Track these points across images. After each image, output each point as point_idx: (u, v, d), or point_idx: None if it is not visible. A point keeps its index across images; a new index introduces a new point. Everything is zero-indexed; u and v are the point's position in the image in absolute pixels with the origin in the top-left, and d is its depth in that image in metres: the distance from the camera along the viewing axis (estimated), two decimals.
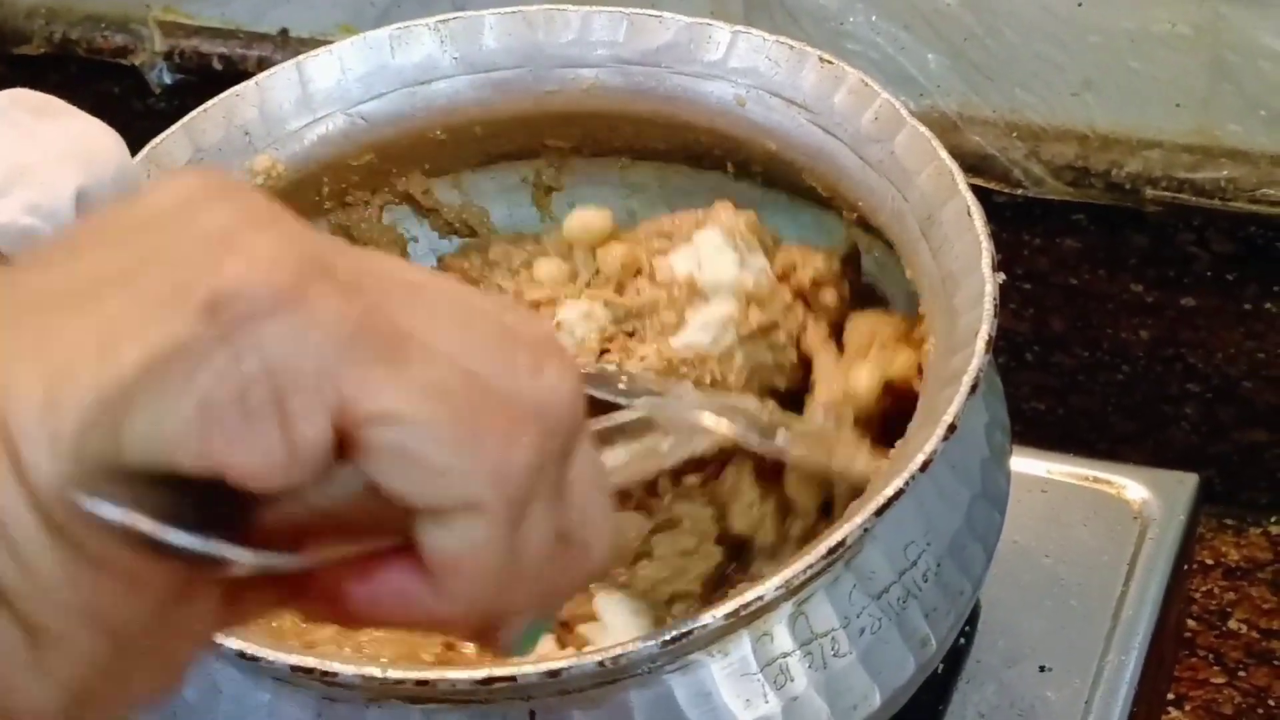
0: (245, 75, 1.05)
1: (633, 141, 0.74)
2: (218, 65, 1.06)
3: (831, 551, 0.54)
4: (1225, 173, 0.88)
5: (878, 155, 0.67)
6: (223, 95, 0.69)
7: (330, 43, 1.02)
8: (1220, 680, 0.91)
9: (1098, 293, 0.96)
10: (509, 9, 0.73)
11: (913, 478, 0.55)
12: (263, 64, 1.04)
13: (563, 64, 0.71)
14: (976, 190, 0.92)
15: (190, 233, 0.34)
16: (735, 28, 0.71)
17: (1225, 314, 0.93)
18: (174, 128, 0.69)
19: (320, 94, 0.71)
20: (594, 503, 0.36)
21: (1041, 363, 0.99)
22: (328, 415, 0.32)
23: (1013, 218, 0.94)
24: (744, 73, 0.70)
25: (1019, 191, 0.92)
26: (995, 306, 0.60)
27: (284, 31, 1.04)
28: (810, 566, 0.53)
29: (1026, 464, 0.80)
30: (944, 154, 0.65)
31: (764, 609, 0.55)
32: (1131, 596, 0.74)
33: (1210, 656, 0.93)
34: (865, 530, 0.54)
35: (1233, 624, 0.94)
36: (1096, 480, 0.80)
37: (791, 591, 0.54)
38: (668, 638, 0.52)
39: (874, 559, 0.59)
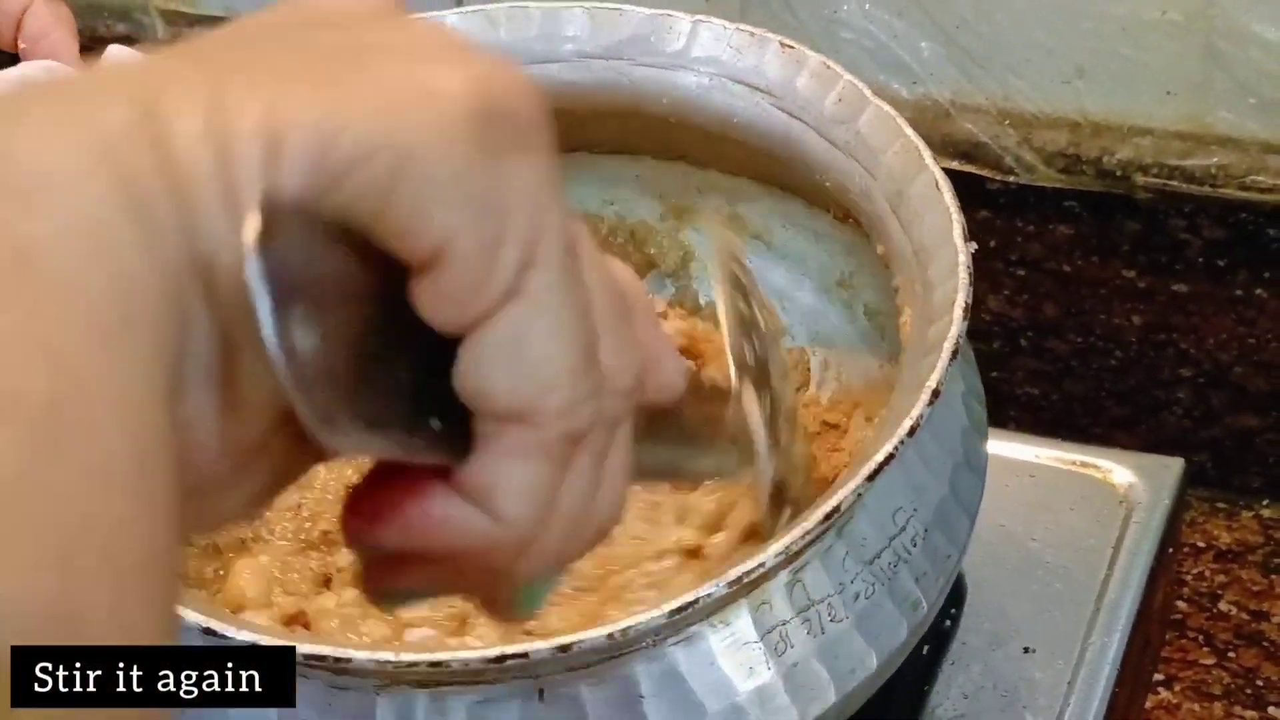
0: None
1: (598, 135, 0.75)
2: None
3: (828, 517, 0.54)
4: (1216, 160, 0.89)
5: (844, 136, 0.68)
6: None
7: None
8: (1209, 661, 0.92)
9: (1090, 279, 0.96)
10: (471, 8, 0.73)
11: (901, 443, 0.56)
12: None
13: (527, 60, 0.72)
14: (968, 177, 0.94)
15: (412, 34, 0.33)
16: (696, 17, 0.72)
17: (1216, 300, 0.94)
18: None
19: None
20: (619, 479, 0.36)
21: (1035, 348, 1.00)
22: (515, 268, 0.32)
23: (1005, 205, 0.95)
24: (706, 61, 0.71)
25: (1011, 179, 0.92)
26: (970, 275, 0.61)
27: None
28: (808, 533, 0.54)
29: (1014, 449, 0.81)
30: (909, 131, 0.66)
31: (762, 578, 0.56)
32: (1115, 580, 0.75)
33: (1200, 638, 0.94)
34: (859, 496, 0.55)
35: (1223, 605, 0.95)
36: (1084, 465, 0.80)
37: (789, 559, 0.55)
38: (674, 607, 0.53)
39: (864, 526, 0.60)
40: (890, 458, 0.56)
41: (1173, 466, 0.80)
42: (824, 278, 0.76)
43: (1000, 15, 0.89)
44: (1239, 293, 0.93)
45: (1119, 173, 0.91)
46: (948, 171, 0.92)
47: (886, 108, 0.67)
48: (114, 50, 0.67)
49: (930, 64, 0.92)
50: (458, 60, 0.32)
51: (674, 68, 0.72)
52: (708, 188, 0.77)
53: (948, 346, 0.58)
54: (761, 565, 0.54)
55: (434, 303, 0.32)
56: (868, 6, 0.91)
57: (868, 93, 0.68)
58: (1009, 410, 1.01)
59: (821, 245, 0.76)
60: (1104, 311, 0.97)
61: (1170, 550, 0.78)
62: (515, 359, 0.33)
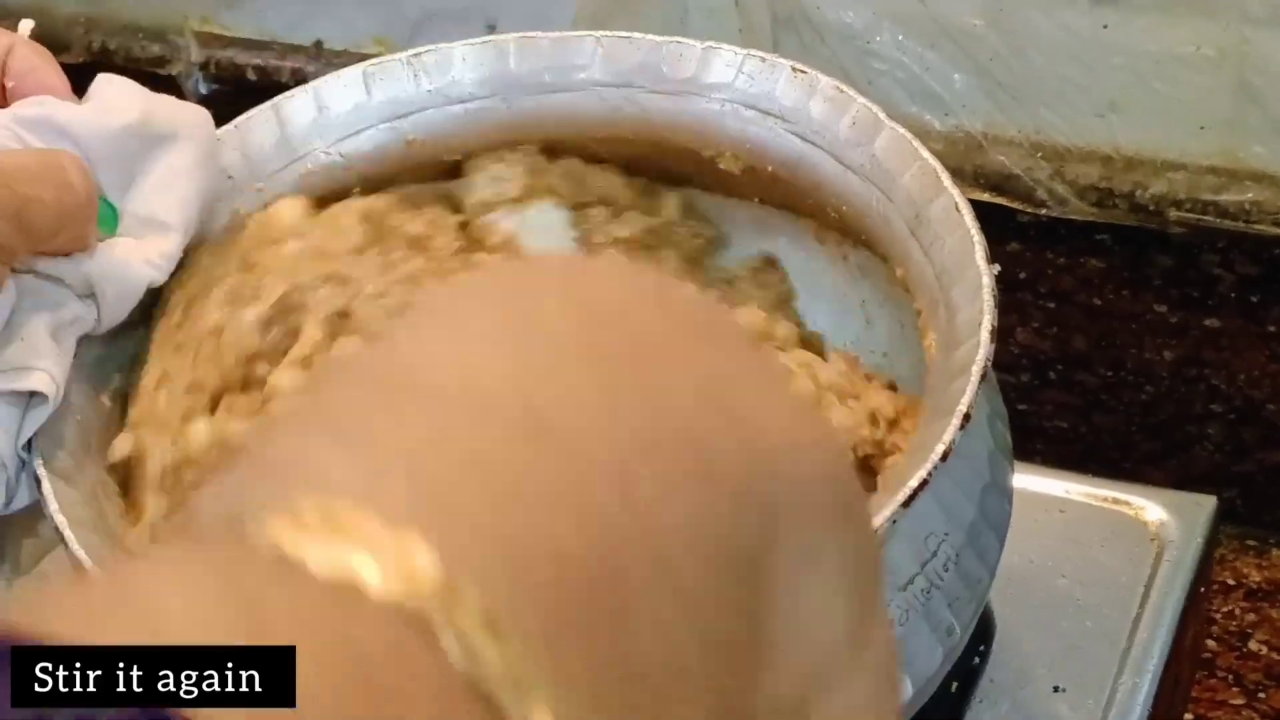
0: (281, 86, 1.07)
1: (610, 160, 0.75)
2: (252, 76, 1.07)
3: None
4: (1250, 195, 0.88)
5: (859, 160, 0.68)
6: None
7: (364, 55, 1.04)
8: (1239, 701, 0.91)
9: (1121, 312, 0.96)
10: (480, 40, 0.73)
11: (935, 468, 0.55)
12: (296, 75, 1.06)
13: (537, 91, 0.72)
14: (1000, 210, 0.94)
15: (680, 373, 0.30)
16: (705, 43, 0.71)
17: (1249, 335, 0.94)
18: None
19: (299, 134, 0.72)
20: None
21: (1064, 381, 1.00)
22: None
23: (1036, 237, 0.95)
24: (717, 87, 0.71)
25: (1043, 212, 0.92)
26: (994, 297, 0.61)
27: (318, 43, 1.06)
28: None
29: (1044, 484, 0.81)
30: (925, 153, 0.66)
31: None
32: (1147, 618, 0.74)
33: (1230, 677, 0.93)
34: (893, 522, 0.55)
35: (1253, 645, 0.94)
36: (1115, 501, 0.80)
37: None
38: None
39: (897, 552, 0.59)
40: (924, 484, 0.55)
41: (1205, 504, 0.79)
42: (841, 301, 0.75)
43: (1032, 50, 0.89)
44: (1272, 329, 0.93)
45: (1152, 207, 0.91)
46: (979, 203, 0.93)
47: (901, 130, 0.67)
48: (103, 80, 0.66)
49: (962, 95, 0.91)
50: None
51: (685, 94, 0.71)
52: (710, 210, 0.76)
53: (976, 370, 0.58)
54: None
55: None
56: (900, 38, 0.91)
57: (882, 115, 0.68)
58: (1036, 443, 1.01)
59: (835, 268, 0.75)
60: (1135, 345, 0.97)
61: (1202, 589, 0.78)
62: None
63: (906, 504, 0.55)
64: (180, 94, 1.09)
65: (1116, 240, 0.93)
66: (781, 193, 0.71)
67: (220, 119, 1.11)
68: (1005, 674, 0.73)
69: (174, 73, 1.08)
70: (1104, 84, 0.89)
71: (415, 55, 0.73)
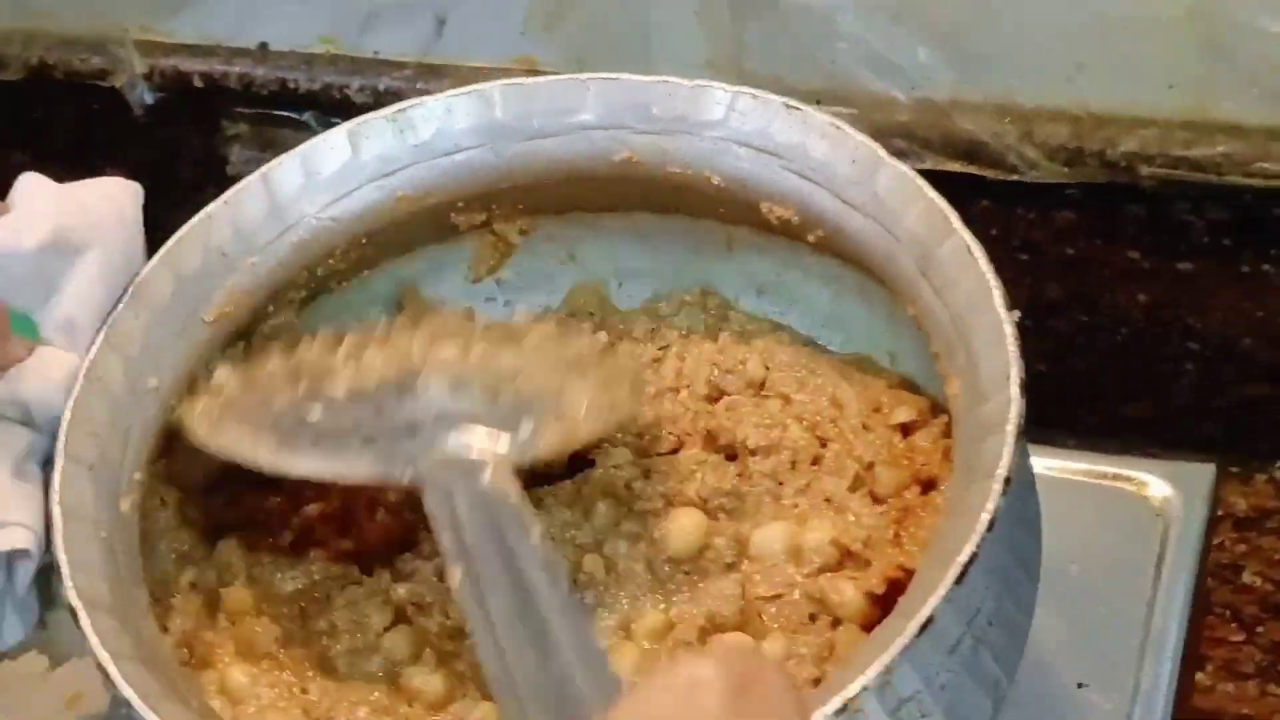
0: (228, 92, 1.05)
1: (594, 201, 0.75)
2: (199, 83, 1.05)
3: (923, 628, 0.55)
4: (1221, 148, 0.89)
5: (860, 198, 0.68)
6: (194, 220, 0.69)
7: (311, 54, 1.02)
8: (1239, 638, 0.93)
9: (1094, 260, 0.97)
10: (465, 89, 0.72)
11: (982, 540, 0.56)
12: (244, 80, 1.04)
13: (525, 137, 0.72)
14: (970, 178, 0.94)
15: None
16: (695, 82, 0.71)
17: (1223, 277, 0.94)
18: (153, 261, 0.70)
19: (289, 201, 0.71)
20: None
21: (1039, 329, 1.00)
22: None
23: (1006, 195, 0.95)
24: (709, 125, 0.71)
25: (1014, 177, 0.92)
26: (1019, 347, 0.61)
27: (263, 45, 1.04)
28: (905, 648, 0.55)
29: (1042, 463, 0.82)
30: (931, 192, 0.66)
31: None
32: (1161, 601, 0.76)
33: (1227, 613, 0.95)
34: (949, 601, 0.56)
35: (1246, 577, 0.96)
36: (1115, 477, 0.81)
37: (887, 671, 0.56)
38: None
39: (947, 621, 0.59)
40: (974, 557, 0.56)
41: (1204, 473, 0.81)
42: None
43: (997, 17, 0.88)
44: (1245, 269, 0.94)
45: (1123, 164, 0.91)
46: (949, 175, 0.93)
47: (903, 167, 0.67)
48: (21, 185, 0.66)
49: (928, 68, 0.91)
50: None
51: (677, 133, 0.71)
52: (705, 240, 0.77)
53: (1011, 430, 0.58)
54: (865, 688, 0.54)
55: None
56: (863, 12, 0.90)
57: (882, 153, 0.68)
58: None
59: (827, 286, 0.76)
60: (1109, 291, 0.98)
61: (1207, 559, 0.79)
62: None
63: (959, 581, 0.55)
64: (126, 107, 1.07)
65: (1087, 195, 0.93)
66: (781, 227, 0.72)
67: (170, 129, 1.10)
68: (1028, 674, 0.74)
69: (117, 84, 1.06)
70: (1071, 46, 0.88)
71: (400, 111, 0.72)
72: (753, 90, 0.70)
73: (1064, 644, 0.75)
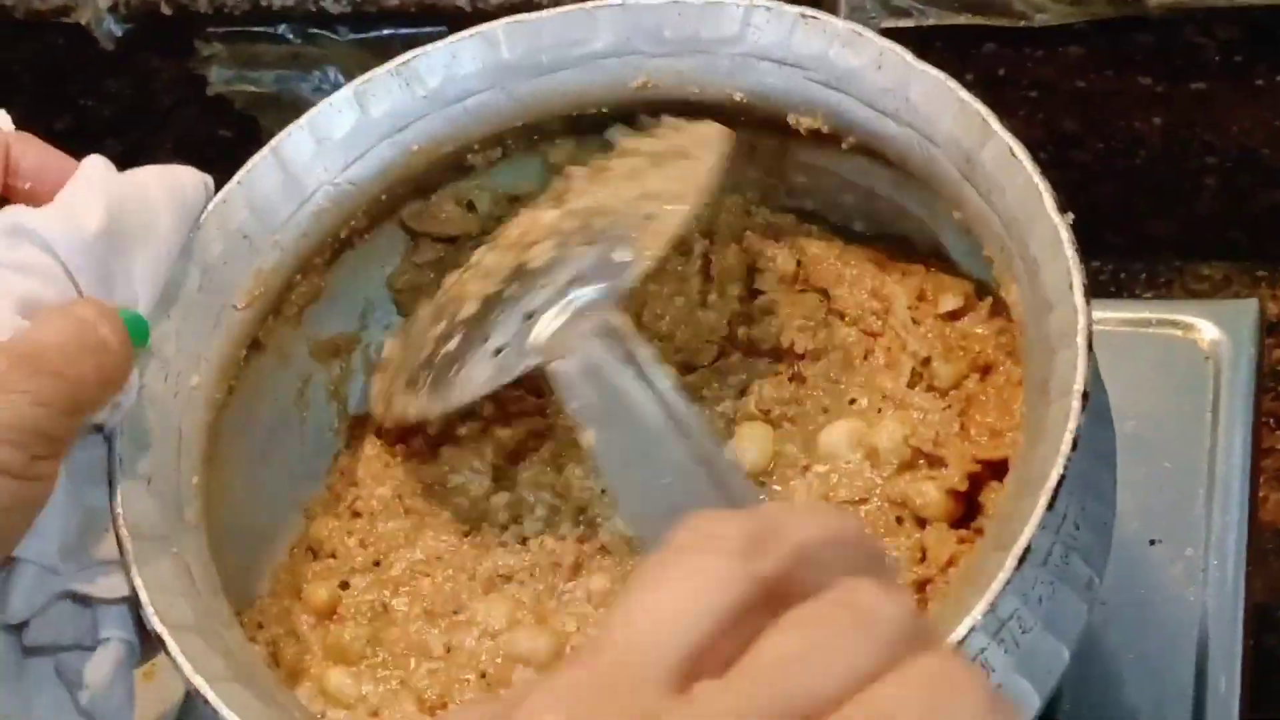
0: (199, 17, 1.02)
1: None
2: (167, 10, 1.02)
3: (1021, 559, 0.54)
4: None
5: (892, 105, 0.65)
6: (211, 206, 0.66)
7: None
8: None
9: (1107, 90, 0.95)
10: (467, 32, 0.70)
11: (1069, 461, 0.55)
12: (215, 4, 1.01)
13: (535, 74, 0.70)
14: (978, 29, 0.92)
15: None
16: (704, 0, 0.69)
17: (1238, 93, 0.93)
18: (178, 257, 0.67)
19: (302, 171, 0.69)
20: None
21: (1058, 161, 0.99)
22: None
23: (1013, 38, 0.93)
24: (725, 42, 0.68)
25: (1022, 24, 0.90)
26: (1078, 252, 0.60)
27: None
28: (1008, 580, 0.54)
29: None
30: (965, 94, 0.64)
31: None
32: (1221, 448, 0.75)
33: (1271, 420, 0.95)
34: (1042, 527, 0.55)
35: None
36: (1160, 323, 0.80)
37: (991, 608, 0.55)
38: None
39: (1038, 539, 0.59)
40: (1063, 479, 0.55)
41: (1248, 310, 0.80)
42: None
43: None
44: (1260, 83, 0.92)
45: None
46: (957, 28, 0.91)
47: (934, 71, 0.65)
48: (90, 164, 0.63)
49: None
50: None
51: (691, 53, 0.69)
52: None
53: (1081, 343, 0.58)
54: (973, 629, 0.54)
55: None
56: None
57: (910, 57, 0.65)
58: None
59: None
60: (1124, 119, 0.96)
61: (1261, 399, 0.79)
62: None
63: (1051, 506, 0.55)
64: (94, 43, 1.04)
65: (1094, 29, 0.92)
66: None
67: (139, 56, 1.07)
68: None
69: (82, 20, 1.03)
70: None
71: (403, 63, 0.69)
72: (766, 2, 0.67)
73: (1130, 503, 0.74)
